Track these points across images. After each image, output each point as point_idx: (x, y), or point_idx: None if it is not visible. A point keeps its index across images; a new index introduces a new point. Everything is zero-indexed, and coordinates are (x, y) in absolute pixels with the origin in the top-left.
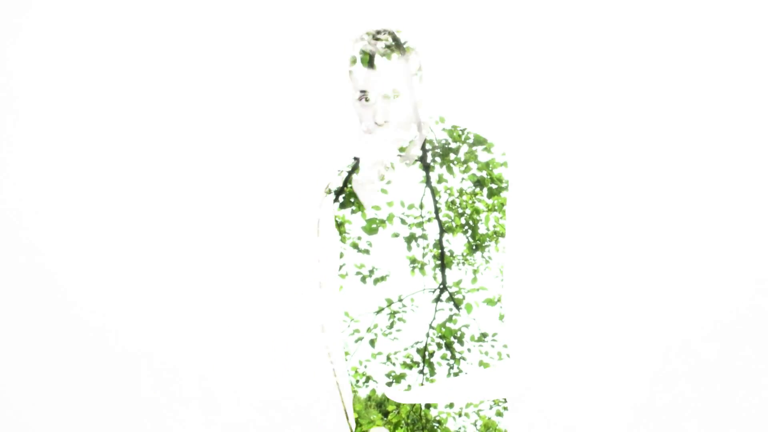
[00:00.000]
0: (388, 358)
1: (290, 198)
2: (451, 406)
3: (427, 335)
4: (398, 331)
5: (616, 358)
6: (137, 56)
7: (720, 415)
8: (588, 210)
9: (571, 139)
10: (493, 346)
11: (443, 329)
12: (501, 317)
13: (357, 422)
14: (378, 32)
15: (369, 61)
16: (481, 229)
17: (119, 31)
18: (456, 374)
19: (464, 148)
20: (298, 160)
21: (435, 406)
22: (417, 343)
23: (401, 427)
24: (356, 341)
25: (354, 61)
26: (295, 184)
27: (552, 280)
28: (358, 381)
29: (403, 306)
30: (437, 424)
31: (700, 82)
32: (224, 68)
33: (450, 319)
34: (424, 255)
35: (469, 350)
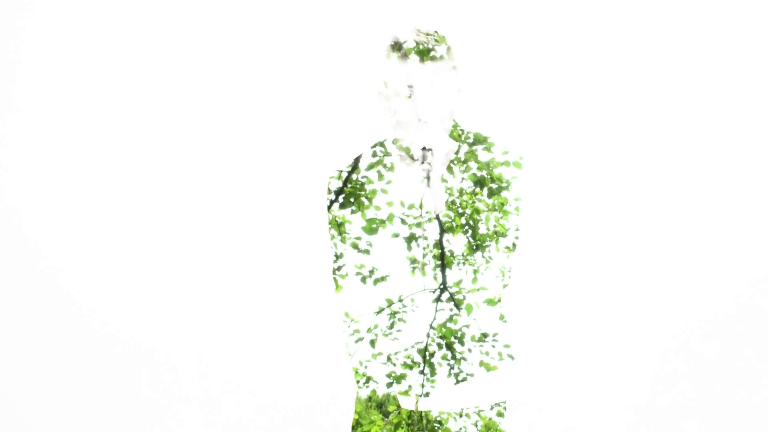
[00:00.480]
0: (389, 359)
1: (290, 199)
2: None
3: (428, 335)
4: (398, 331)
5: (617, 359)
6: (142, 58)
7: (720, 415)
8: (591, 212)
9: (575, 143)
10: (493, 347)
11: (444, 329)
12: (501, 317)
13: (357, 422)
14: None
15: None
16: (482, 229)
17: (122, 33)
18: (456, 374)
19: (464, 148)
20: (301, 160)
21: None
22: (417, 343)
23: (402, 428)
24: (356, 341)
25: (394, 51)
26: (293, 184)
27: (553, 281)
28: (358, 382)
29: (404, 306)
30: (438, 425)
31: (700, 81)
32: (226, 69)
33: (450, 319)
34: (424, 255)
35: (469, 350)
